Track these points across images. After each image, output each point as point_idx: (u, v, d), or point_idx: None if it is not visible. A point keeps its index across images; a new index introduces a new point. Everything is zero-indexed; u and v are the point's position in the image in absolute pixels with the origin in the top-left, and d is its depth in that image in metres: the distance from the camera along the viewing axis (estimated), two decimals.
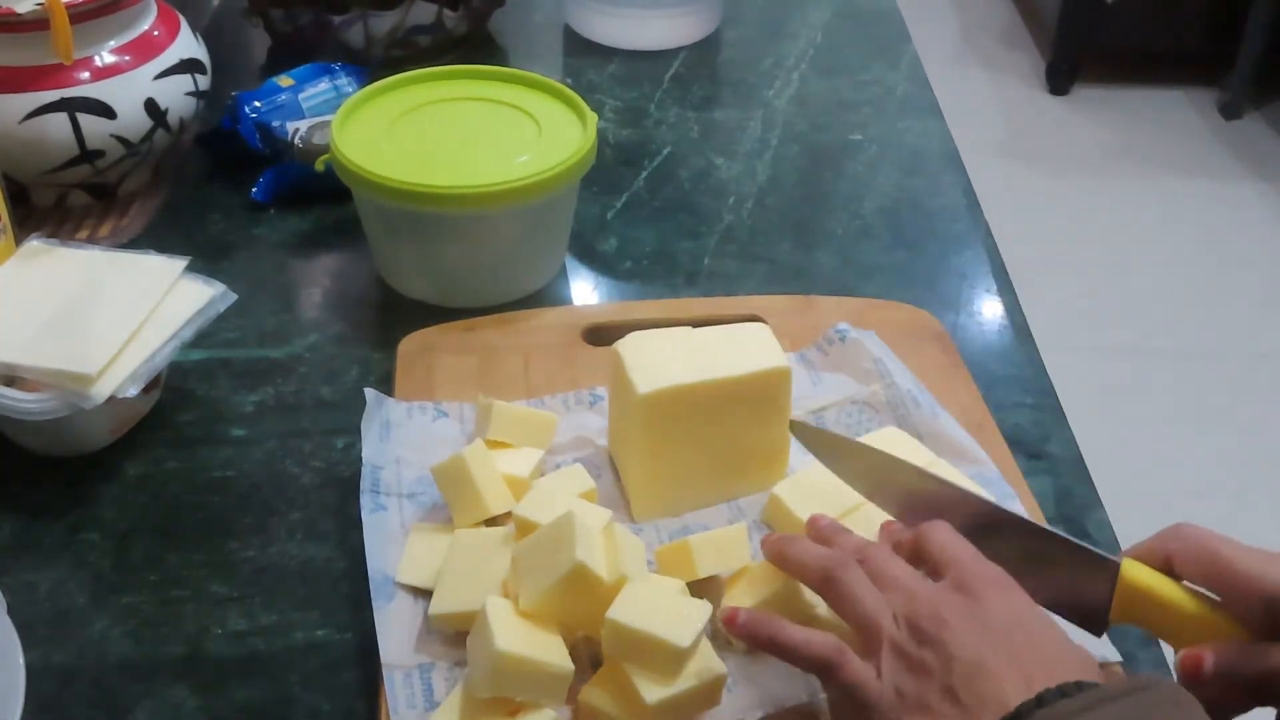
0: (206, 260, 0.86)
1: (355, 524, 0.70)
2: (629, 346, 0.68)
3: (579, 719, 0.59)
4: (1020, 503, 0.69)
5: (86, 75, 0.87)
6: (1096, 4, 2.86)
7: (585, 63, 1.15)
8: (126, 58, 0.89)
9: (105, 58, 0.88)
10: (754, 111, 1.09)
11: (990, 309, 0.88)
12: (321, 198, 0.96)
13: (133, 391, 0.70)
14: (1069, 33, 2.97)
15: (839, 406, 0.76)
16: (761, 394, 0.68)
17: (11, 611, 0.60)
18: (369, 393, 0.75)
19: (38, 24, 0.84)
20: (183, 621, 0.65)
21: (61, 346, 0.70)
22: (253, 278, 0.88)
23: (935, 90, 1.15)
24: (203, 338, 0.78)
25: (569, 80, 1.15)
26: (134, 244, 0.91)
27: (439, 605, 0.61)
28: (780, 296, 0.86)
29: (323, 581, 0.67)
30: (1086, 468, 0.75)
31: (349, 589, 0.67)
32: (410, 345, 0.80)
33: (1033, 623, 0.54)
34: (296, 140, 0.94)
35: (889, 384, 0.76)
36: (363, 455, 0.71)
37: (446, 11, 1.12)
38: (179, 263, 0.77)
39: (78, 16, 0.84)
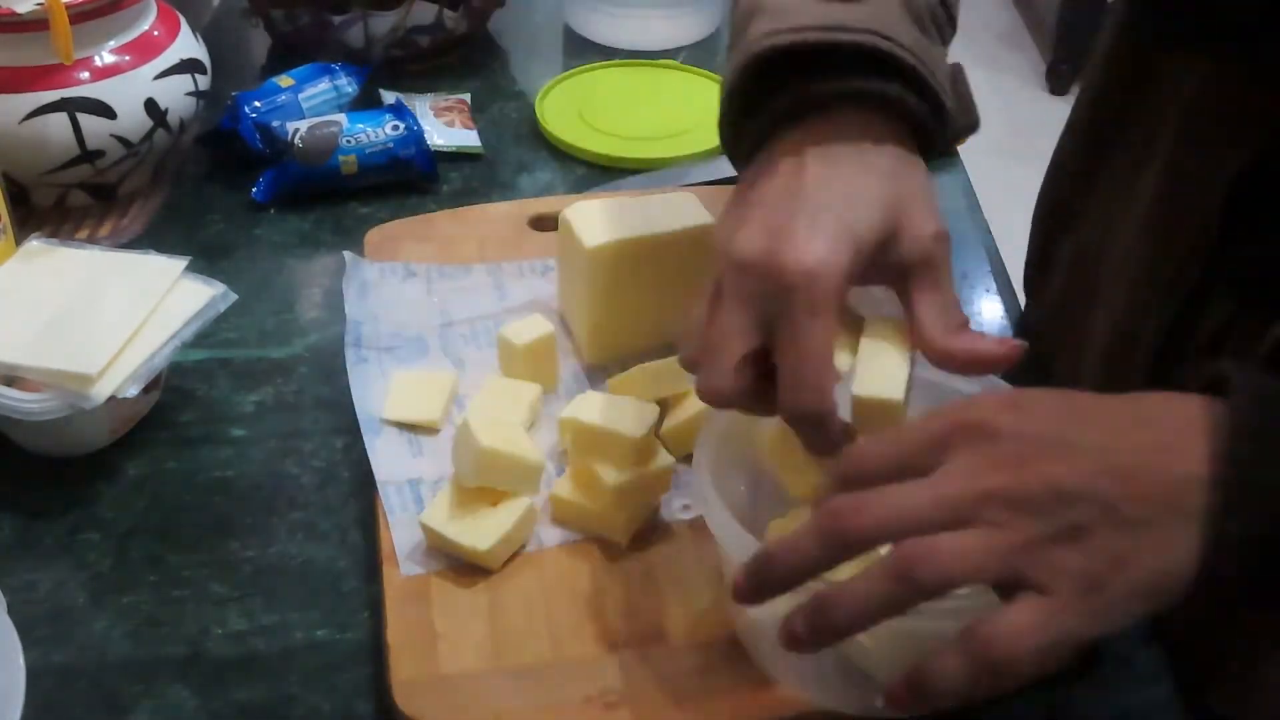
0: (206, 260, 0.86)
1: (355, 524, 0.70)
2: (576, 211, 0.77)
3: (553, 513, 0.69)
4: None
5: (86, 75, 0.87)
6: (1096, 4, 2.86)
7: (585, 63, 1.15)
8: (126, 58, 0.89)
9: (105, 58, 0.88)
10: None
11: (990, 309, 0.88)
12: (321, 198, 0.96)
13: (133, 391, 0.70)
14: (1069, 33, 2.97)
15: None
16: (691, 250, 0.77)
17: (11, 611, 0.60)
18: (347, 255, 0.84)
19: (38, 24, 0.84)
20: (183, 621, 0.65)
21: (61, 346, 0.70)
22: (253, 278, 0.88)
23: None
24: (203, 338, 0.78)
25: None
26: (134, 244, 0.90)
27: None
28: (705, 187, 0.91)
29: (323, 581, 0.68)
30: None
31: (349, 589, 0.67)
32: (375, 237, 0.88)
33: (1090, 400, 0.48)
34: (296, 140, 0.94)
35: None
36: (345, 312, 0.80)
37: (446, 11, 1.12)
38: (179, 263, 0.77)
39: (78, 16, 0.84)
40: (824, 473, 0.57)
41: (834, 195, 0.55)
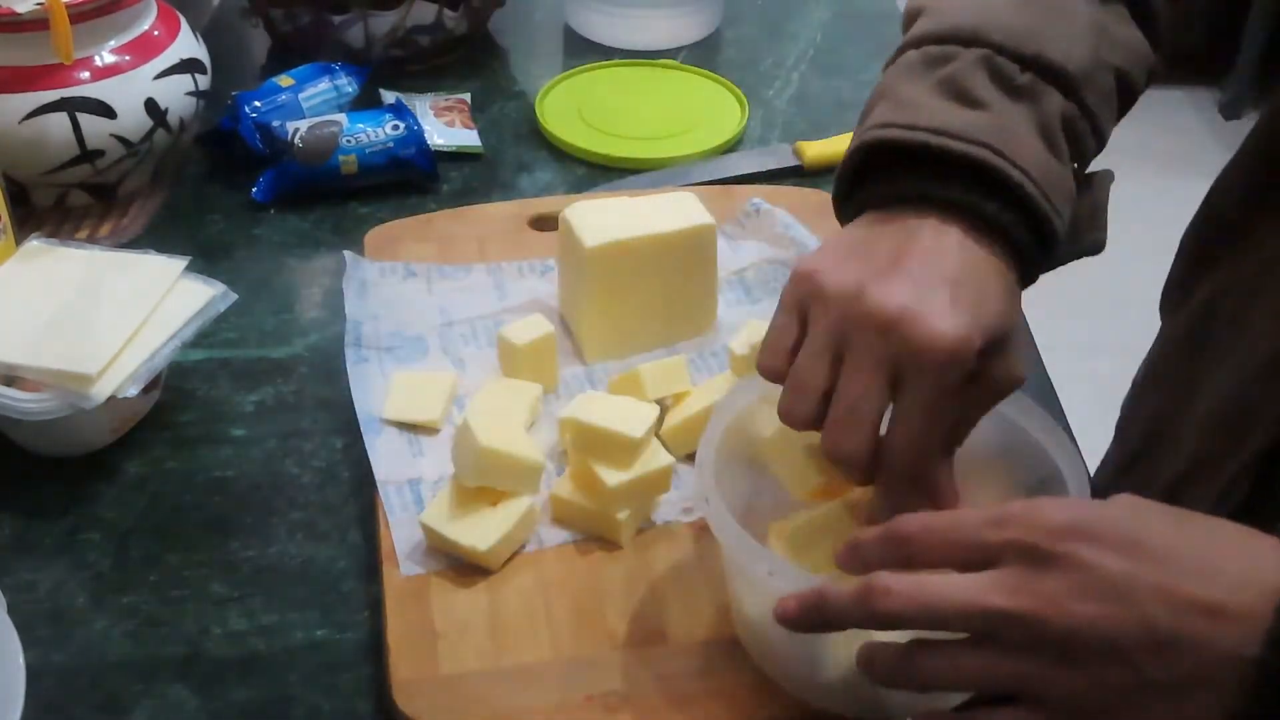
0: (206, 260, 0.86)
1: (355, 524, 0.70)
2: (576, 211, 0.77)
3: (553, 512, 0.69)
4: None
5: (86, 75, 0.87)
6: None
7: (585, 63, 1.15)
8: (126, 58, 0.89)
9: (105, 58, 0.88)
10: (754, 111, 1.09)
11: None
12: (322, 198, 0.96)
13: (133, 391, 0.70)
14: None
15: (757, 267, 0.86)
16: (691, 248, 0.78)
17: (11, 611, 0.60)
18: (346, 254, 0.85)
19: (38, 24, 0.84)
20: (183, 621, 0.65)
21: (61, 346, 0.70)
22: (253, 278, 0.88)
23: None
24: (203, 338, 0.78)
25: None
26: (134, 244, 0.90)
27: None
28: (703, 187, 0.93)
29: (323, 581, 0.67)
30: (1087, 468, 0.75)
31: (349, 589, 0.67)
32: (375, 237, 0.89)
33: (1145, 529, 0.47)
34: (296, 140, 0.94)
35: (799, 245, 0.86)
36: (345, 311, 0.80)
37: (446, 11, 1.12)
38: (179, 263, 0.77)
39: (78, 16, 0.84)
40: (828, 475, 0.57)
41: (968, 273, 0.54)
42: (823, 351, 0.54)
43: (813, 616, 0.51)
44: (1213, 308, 0.72)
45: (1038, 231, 0.57)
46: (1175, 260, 0.77)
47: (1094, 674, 0.45)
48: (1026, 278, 0.58)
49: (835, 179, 0.61)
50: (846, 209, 0.61)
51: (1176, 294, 0.77)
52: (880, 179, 0.59)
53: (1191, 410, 0.71)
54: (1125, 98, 0.64)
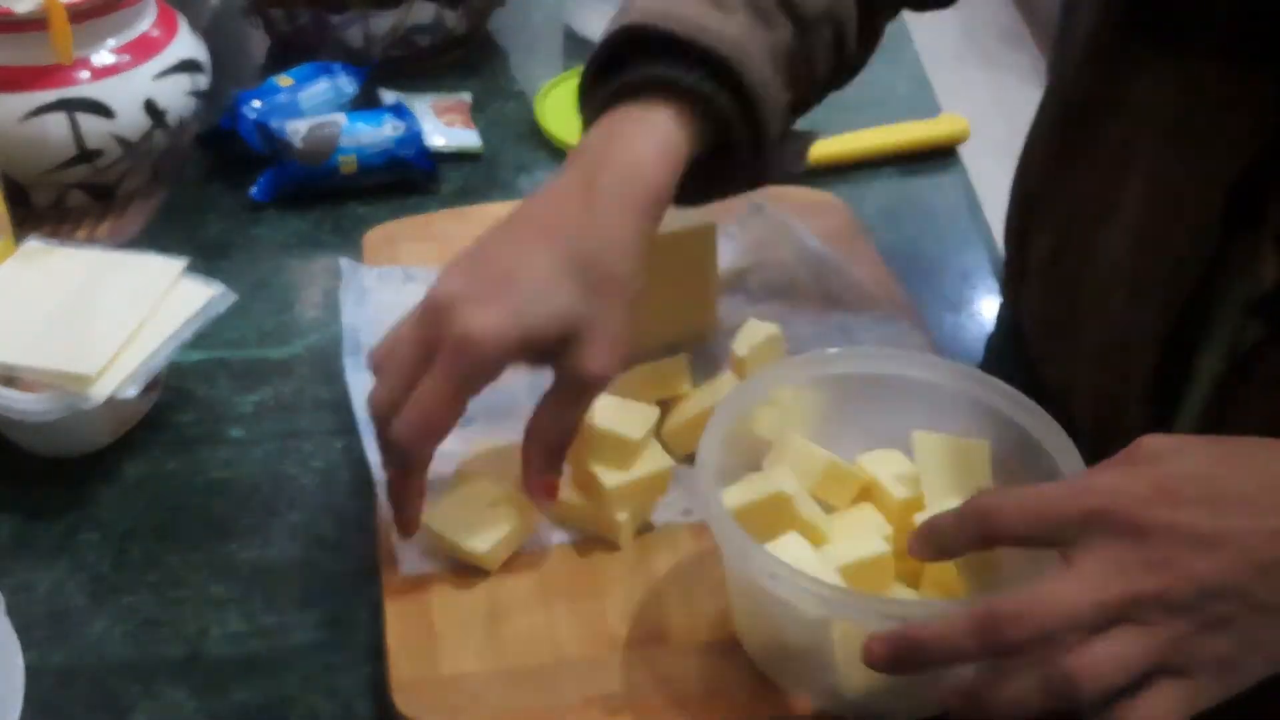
0: (206, 260, 0.86)
1: (355, 524, 0.70)
2: None
3: (553, 513, 0.68)
4: (930, 351, 0.77)
5: (86, 75, 0.87)
6: None
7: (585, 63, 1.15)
8: (126, 58, 0.89)
9: (104, 58, 0.88)
10: None
11: (990, 309, 0.88)
12: (321, 198, 0.96)
13: (132, 392, 0.70)
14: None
15: (757, 267, 0.86)
16: (691, 248, 0.78)
17: (11, 611, 0.60)
18: (344, 261, 0.84)
19: (37, 24, 0.84)
20: (182, 622, 0.65)
21: (61, 346, 0.70)
22: (253, 278, 0.88)
23: (935, 90, 1.15)
24: (202, 338, 0.78)
25: None
26: (134, 244, 0.90)
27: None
28: None
29: (322, 582, 0.67)
30: (1086, 468, 0.75)
31: (349, 589, 0.67)
32: (374, 237, 0.89)
33: (1214, 477, 0.49)
34: (296, 140, 0.94)
35: (801, 247, 0.86)
36: (342, 320, 0.79)
37: (446, 11, 1.12)
38: (179, 263, 0.77)
39: (77, 16, 0.84)
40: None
41: (556, 264, 0.60)
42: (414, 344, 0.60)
43: (909, 657, 0.49)
44: (1057, 265, 0.75)
45: (756, 138, 0.64)
46: (1006, 242, 0.82)
47: (1223, 619, 0.46)
48: (721, 185, 0.68)
49: (585, 66, 0.67)
50: (590, 103, 0.66)
51: (1018, 263, 0.80)
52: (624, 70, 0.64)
53: (1075, 369, 0.73)
54: (869, 36, 0.74)
